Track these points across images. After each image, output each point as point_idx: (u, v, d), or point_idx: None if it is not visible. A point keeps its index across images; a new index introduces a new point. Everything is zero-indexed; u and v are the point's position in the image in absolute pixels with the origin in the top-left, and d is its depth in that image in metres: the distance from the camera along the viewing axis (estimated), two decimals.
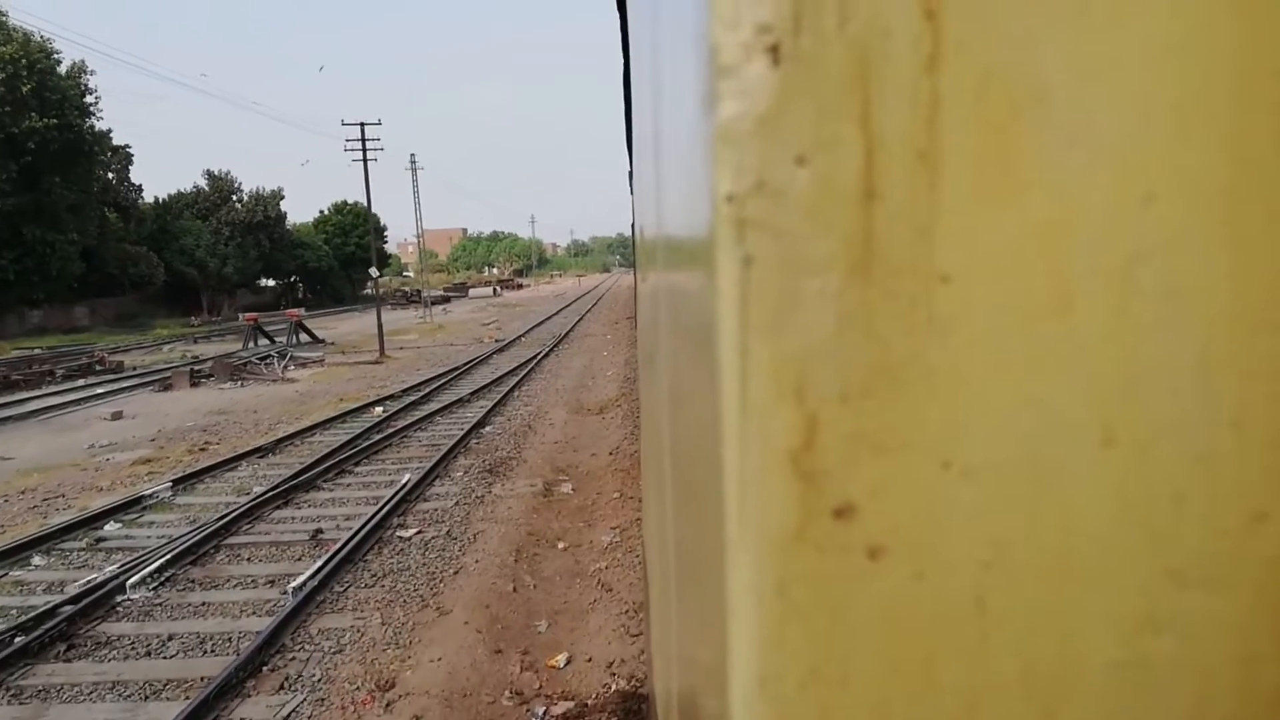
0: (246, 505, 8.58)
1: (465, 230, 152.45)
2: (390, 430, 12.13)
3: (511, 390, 16.03)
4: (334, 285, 58.43)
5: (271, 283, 57.59)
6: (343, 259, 59.58)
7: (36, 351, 26.02)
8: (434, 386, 16.43)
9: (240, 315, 31.70)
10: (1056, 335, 0.38)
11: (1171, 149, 0.37)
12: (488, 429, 12.55)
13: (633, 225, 4.57)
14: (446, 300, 55.16)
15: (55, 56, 35.53)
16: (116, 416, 15.79)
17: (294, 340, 28.68)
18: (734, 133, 0.37)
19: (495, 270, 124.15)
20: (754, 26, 0.36)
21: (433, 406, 14.27)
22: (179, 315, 44.81)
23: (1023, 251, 0.37)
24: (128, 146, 46.34)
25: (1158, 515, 0.39)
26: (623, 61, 4.22)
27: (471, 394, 15.47)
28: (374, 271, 27.34)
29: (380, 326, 24.38)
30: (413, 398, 15.29)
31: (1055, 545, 0.39)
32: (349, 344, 27.69)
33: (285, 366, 21.64)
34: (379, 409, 14.07)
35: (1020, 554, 0.39)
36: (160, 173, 64.97)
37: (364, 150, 28.09)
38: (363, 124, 28.16)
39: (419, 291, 44.79)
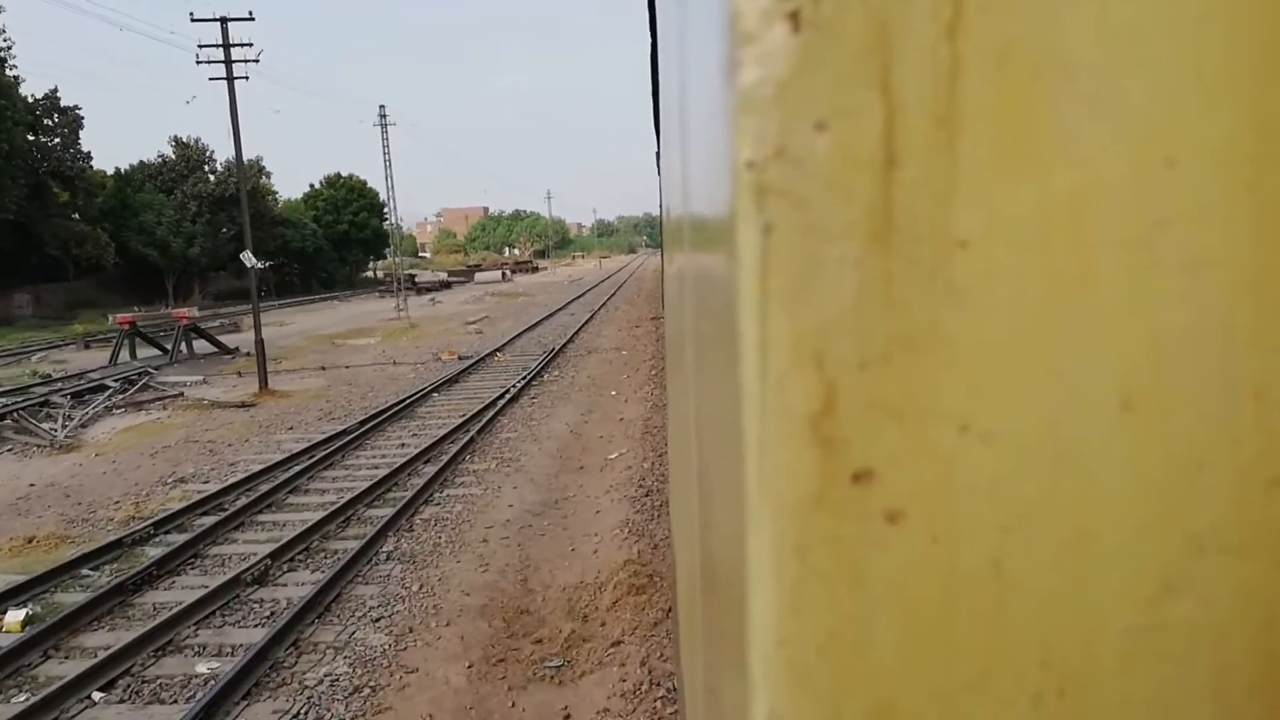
0: None
1: (486, 209, 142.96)
2: None
3: (391, 524, 7.25)
4: (324, 268, 49.88)
5: (262, 265, 48.87)
6: (335, 239, 51.07)
7: None
8: (255, 498, 8.53)
9: (113, 318, 22.67)
10: (1076, 302, 0.38)
11: (1194, 117, 0.37)
12: None
13: (660, 208, 4.21)
14: (446, 286, 46.56)
15: None
16: None
17: (182, 351, 20.07)
18: (754, 99, 0.37)
19: (516, 251, 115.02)
20: None
21: (156, 610, 5.71)
22: (136, 303, 36.34)
23: (1043, 218, 0.38)
24: (77, 108, 37.49)
25: (1177, 482, 0.39)
26: (650, 41, 3.92)
27: (292, 544, 6.93)
28: (247, 258, 16.93)
29: (260, 347, 15.67)
30: (160, 551, 6.85)
31: (1073, 511, 0.39)
32: (279, 353, 18.80)
33: (90, 415, 12.86)
34: (19, 618, 5.26)
35: (1038, 519, 0.39)
36: (130, 142, 56.50)
37: (228, 61, 18.20)
38: (224, 19, 18.56)
39: (413, 277, 35.86)
